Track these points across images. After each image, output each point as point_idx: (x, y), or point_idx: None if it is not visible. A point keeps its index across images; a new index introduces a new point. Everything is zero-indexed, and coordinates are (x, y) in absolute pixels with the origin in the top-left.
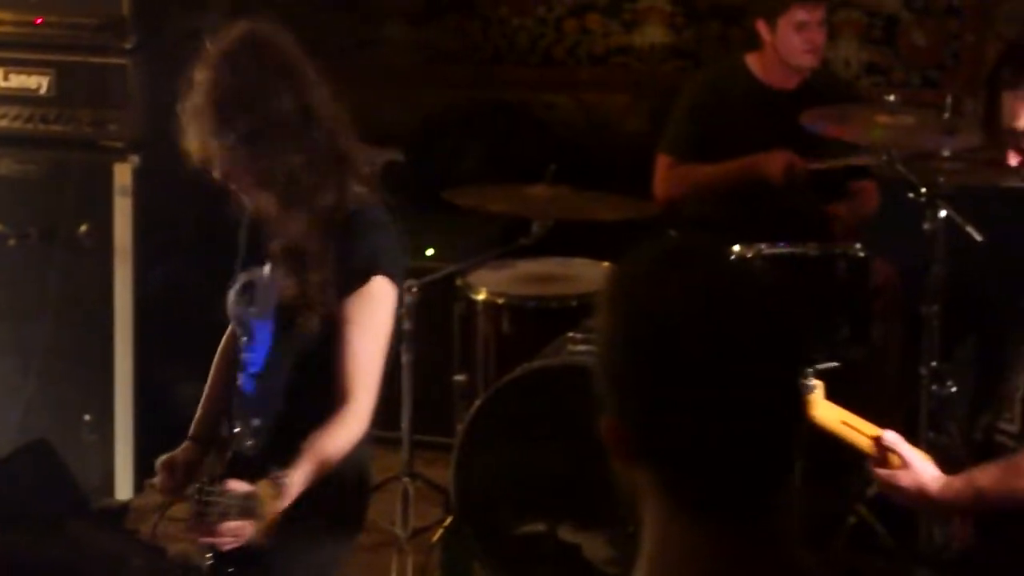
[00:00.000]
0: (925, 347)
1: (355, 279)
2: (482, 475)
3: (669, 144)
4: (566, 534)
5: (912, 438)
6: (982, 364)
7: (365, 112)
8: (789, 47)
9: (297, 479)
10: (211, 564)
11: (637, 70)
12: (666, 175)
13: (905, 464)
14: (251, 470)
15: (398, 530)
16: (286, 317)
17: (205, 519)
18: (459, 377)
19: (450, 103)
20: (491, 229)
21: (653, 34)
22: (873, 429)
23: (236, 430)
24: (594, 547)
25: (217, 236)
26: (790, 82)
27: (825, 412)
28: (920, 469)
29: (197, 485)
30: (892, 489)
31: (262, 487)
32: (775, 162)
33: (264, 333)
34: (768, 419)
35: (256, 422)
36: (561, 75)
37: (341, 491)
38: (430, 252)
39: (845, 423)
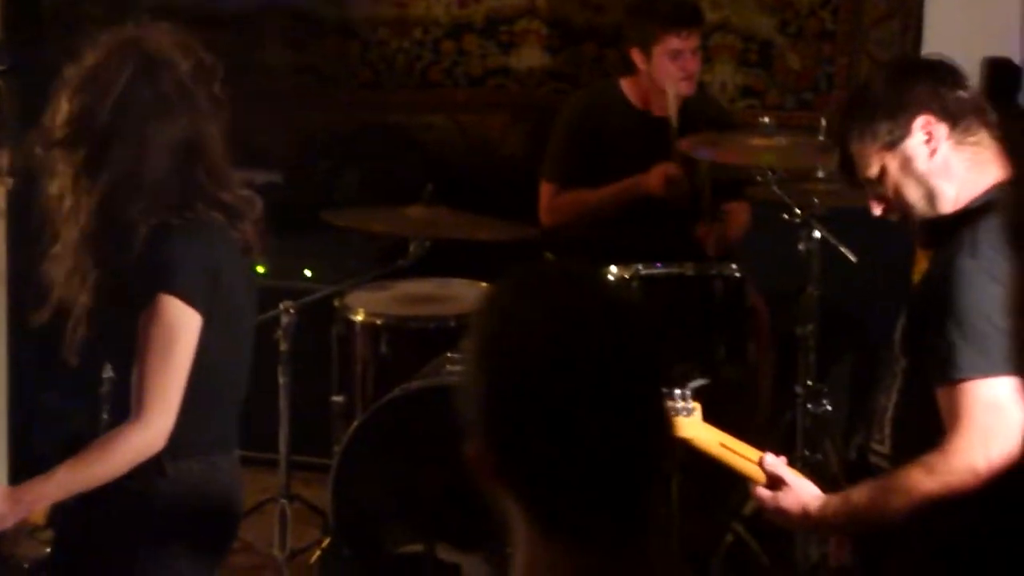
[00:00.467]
0: (800, 367)
1: (144, 295)
2: (360, 496)
3: (550, 171)
4: (445, 554)
5: (788, 457)
6: (857, 383)
7: (243, 135)
8: (664, 75)
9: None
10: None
11: (514, 92)
12: (551, 203)
13: (786, 486)
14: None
15: (276, 552)
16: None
17: None
18: (337, 398)
19: (329, 125)
20: (369, 250)
21: (530, 56)
22: (752, 452)
23: None
24: (473, 567)
25: None
26: (663, 109)
27: (703, 434)
28: (800, 490)
29: None
30: (774, 511)
31: None
32: (655, 176)
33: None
34: (629, 441)
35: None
36: (439, 97)
37: (204, 515)
38: (308, 273)
39: (724, 445)
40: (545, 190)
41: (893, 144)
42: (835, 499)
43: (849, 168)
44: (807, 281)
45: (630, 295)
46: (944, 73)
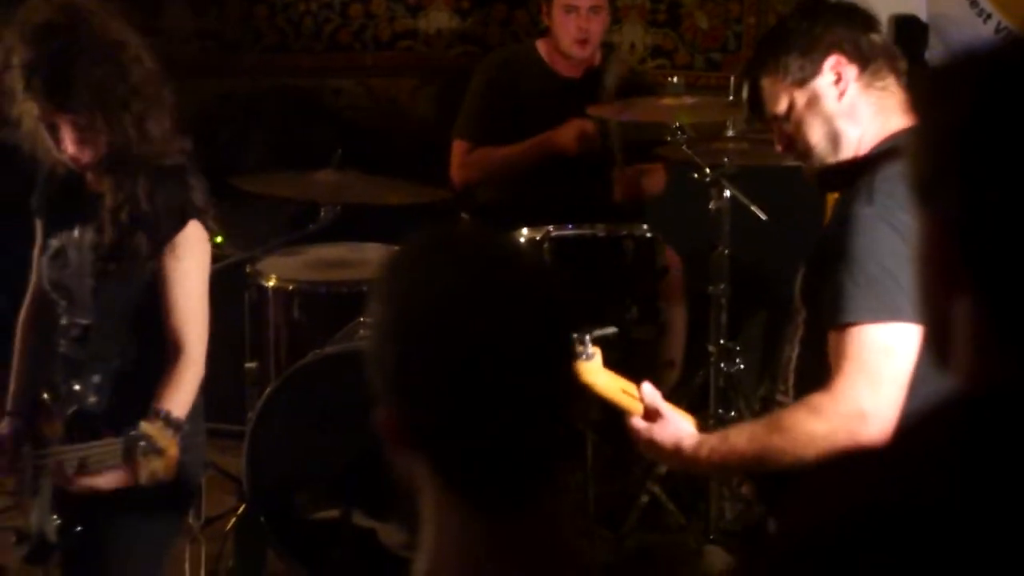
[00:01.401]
0: (712, 326)
1: (168, 226)
2: (275, 462)
3: (463, 129)
4: (360, 519)
5: (701, 415)
6: (769, 341)
7: None
8: (561, 33)
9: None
10: (58, 525)
11: (423, 55)
12: (463, 160)
13: (662, 418)
14: (96, 425)
15: (191, 520)
16: (106, 273)
17: (64, 472)
18: (250, 364)
19: (234, 90)
20: (280, 216)
21: (439, 19)
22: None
23: (76, 388)
24: (389, 532)
25: None
26: (576, 70)
27: (604, 380)
28: (676, 425)
29: (34, 450)
30: (647, 442)
31: (147, 427)
32: (567, 132)
33: (83, 293)
34: (539, 404)
35: (96, 379)
36: (347, 60)
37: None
38: (219, 240)
39: (625, 392)
40: (457, 147)
41: (803, 81)
42: (713, 438)
43: (757, 103)
44: (718, 240)
45: (538, 257)
46: (858, 16)
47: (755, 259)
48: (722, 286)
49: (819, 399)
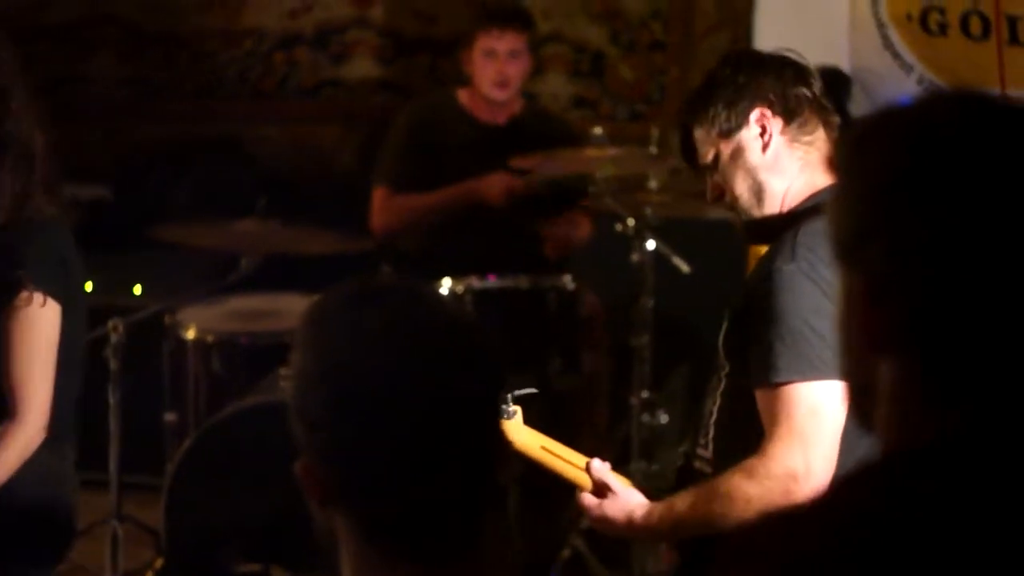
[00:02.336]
0: (635, 377)
1: (7, 289)
2: (194, 516)
3: (383, 175)
4: (280, 575)
5: (624, 467)
6: (692, 393)
7: (71, 148)
8: (481, 77)
9: None
10: None
11: (347, 103)
12: (382, 205)
13: (612, 493)
14: None
15: (107, 574)
16: None
17: None
18: (169, 416)
19: (159, 138)
20: (201, 266)
21: (362, 67)
22: (578, 457)
23: None
24: None
25: None
26: (498, 117)
27: (525, 438)
28: (626, 497)
29: None
30: (599, 518)
31: None
32: (494, 185)
33: None
34: (464, 456)
35: None
36: (271, 109)
37: (38, 529)
38: (138, 290)
39: (545, 449)
40: (377, 195)
41: (728, 132)
42: (660, 506)
43: (689, 152)
44: (641, 292)
45: (461, 307)
46: (789, 69)
47: (678, 311)
48: (645, 338)
49: (753, 462)
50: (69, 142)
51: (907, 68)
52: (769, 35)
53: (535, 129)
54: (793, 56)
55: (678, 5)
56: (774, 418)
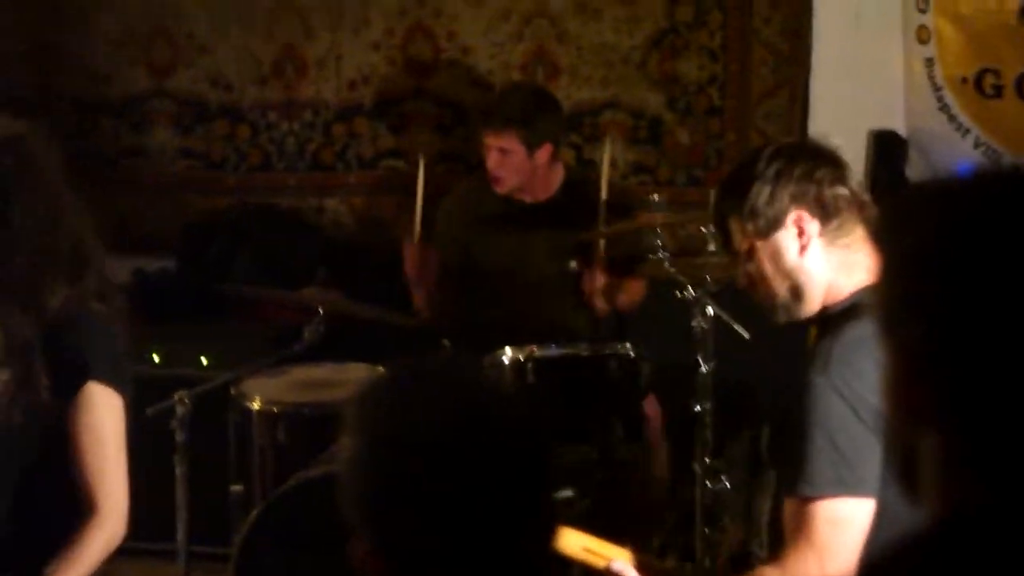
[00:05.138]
0: (697, 444)
1: (71, 384)
2: None
3: (419, 239)
4: None
5: (687, 534)
6: (754, 458)
7: (135, 220)
8: (488, 167)
9: None
10: None
11: (406, 173)
12: (410, 254)
13: None
14: None
15: None
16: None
17: None
18: (235, 487)
19: (220, 209)
20: (264, 336)
21: (420, 137)
22: (617, 552)
23: None
24: None
25: None
26: (536, 196)
27: (567, 540)
28: None
29: None
30: None
31: None
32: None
33: None
34: (517, 538)
35: None
36: (330, 179)
37: None
38: (204, 361)
39: (588, 550)
40: (408, 248)
41: (765, 232)
42: None
43: (726, 238)
44: (702, 357)
45: (515, 389)
46: (824, 167)
47: (739, 376)
48: (707, 404)
49: (770, 572)
50: (133, 214)
51: (963, 130)
52: (825, 99)
53: (577, 200)
54: (829, 150)
55: (735, 70)
56: (794, 530)
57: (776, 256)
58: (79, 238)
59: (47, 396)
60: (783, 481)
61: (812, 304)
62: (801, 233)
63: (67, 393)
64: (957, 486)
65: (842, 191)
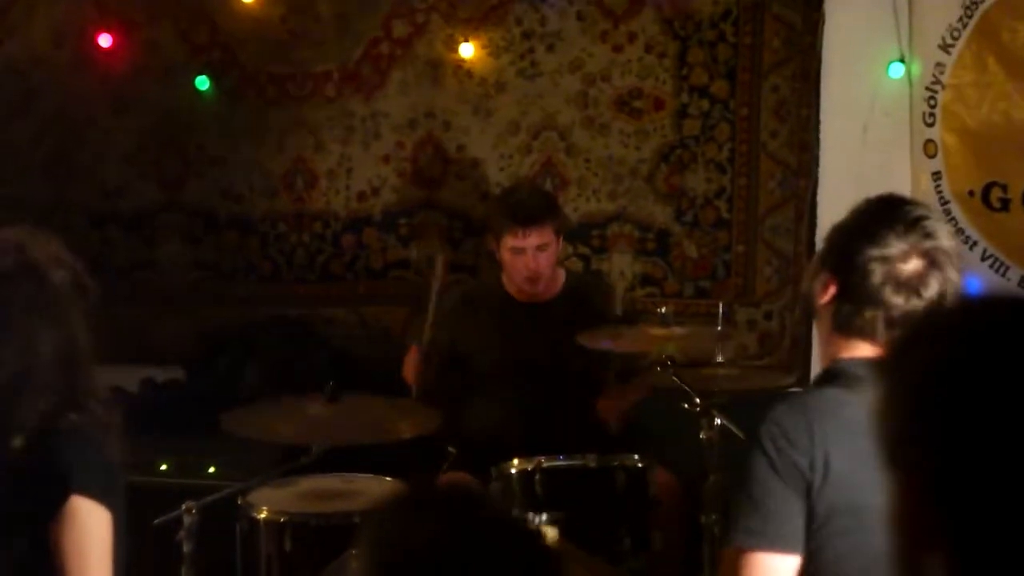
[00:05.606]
0: (706, 556)
1: (51, 500)
2: None
3: (421, 341)
4: None
5: None
6: None
7: (143, 331)
8: (511, 272)
9: None
10: None
11: (415, 283)
12: (408, 361)
13: None
14: None
15: None
16: None
17: None
18: None
19: (229, 320)
20: (272, 447)
21: (430, 249)
22: None
23: None
24: None
25: None
26: (539, 297)
27: None
28: None
29: None
30: None
31: None
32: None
33: None
34: None
35: None
36: (340, 290)
37: None
38: (211, 470)
39: None
40: (411, 352)
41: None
42: None
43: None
44: (710, 469)
45: (516, 517)
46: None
47: None
48: (714, 516)
49: None
50: (143, 325)
51: (970, 243)
52: (833, 211)
53: (580, 299)
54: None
55: (742, 183)
56: None
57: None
58: (66, 349)
59: (29, 512)
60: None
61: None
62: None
63: (49, 508)
64: None
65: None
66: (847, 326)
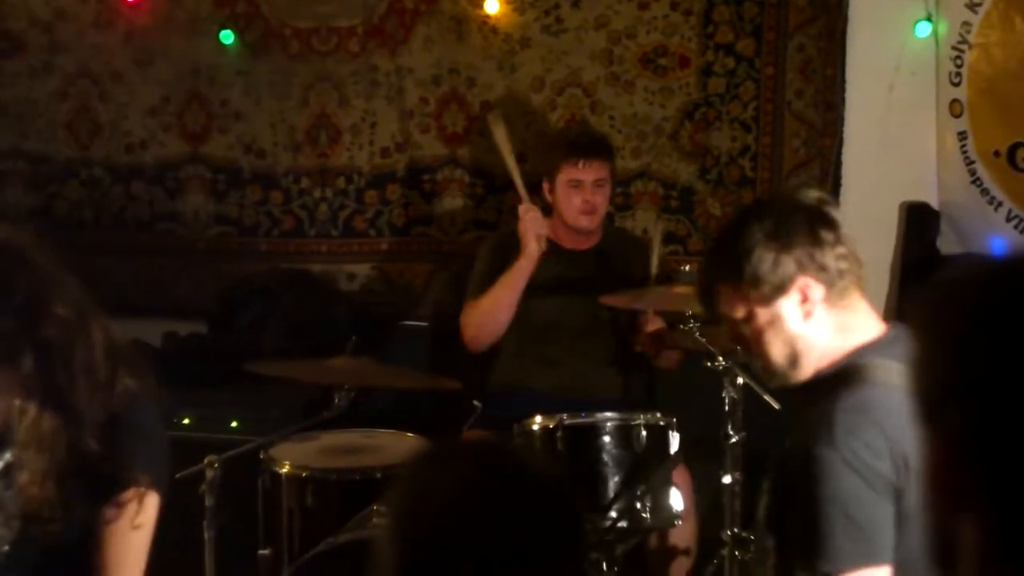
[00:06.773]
0: (727, 514)
1: (109, 487)
2: None
3: (472, 293)
4: None
5: None
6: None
7: (167, 284)
8: (566, 207)
9: None
10: None
11: (438, 240)
12: (465, 314)
13: None
14: None
15: None
16: (30, 525)
17: None
18: (264, 551)
19: (253, 275)
20: (295, 401)
21: (453, 205)
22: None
23: None
24: None
25: None
26: (582, 244)
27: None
28: None
29: None
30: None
31: None
32: (525, 241)
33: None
34: None
35: None
36: (363, 246)
37: None
38: (234, 425)
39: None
40: (464, 310)
41: (767, 300)
42: None
43: (710, 303)
44: (732, 428)
45: (547, 470)
46: (822, 226)
47: (769, 447)
48: (736, 474)
49: None
50: (166, 279)
51: (995, 204)
52: (858, 171)
53: (619, 253)
54: (816, 206)
55: (767, 142)
56: None
57: (776, 323)
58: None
59: (86, 503)
60: (791, 555)
61: (807, 370)
62: (805, 300)
63: (106, 497)
64: (993, 574)
65: (842, 250)
66: (830, 285)
